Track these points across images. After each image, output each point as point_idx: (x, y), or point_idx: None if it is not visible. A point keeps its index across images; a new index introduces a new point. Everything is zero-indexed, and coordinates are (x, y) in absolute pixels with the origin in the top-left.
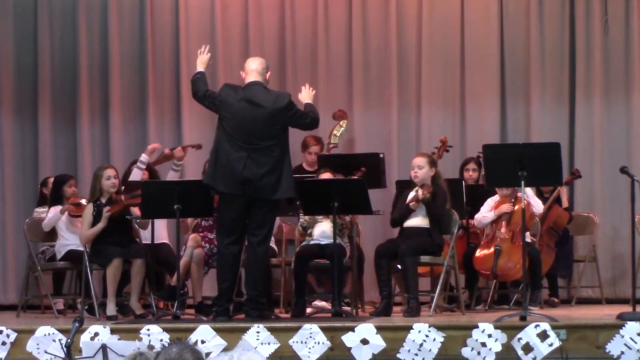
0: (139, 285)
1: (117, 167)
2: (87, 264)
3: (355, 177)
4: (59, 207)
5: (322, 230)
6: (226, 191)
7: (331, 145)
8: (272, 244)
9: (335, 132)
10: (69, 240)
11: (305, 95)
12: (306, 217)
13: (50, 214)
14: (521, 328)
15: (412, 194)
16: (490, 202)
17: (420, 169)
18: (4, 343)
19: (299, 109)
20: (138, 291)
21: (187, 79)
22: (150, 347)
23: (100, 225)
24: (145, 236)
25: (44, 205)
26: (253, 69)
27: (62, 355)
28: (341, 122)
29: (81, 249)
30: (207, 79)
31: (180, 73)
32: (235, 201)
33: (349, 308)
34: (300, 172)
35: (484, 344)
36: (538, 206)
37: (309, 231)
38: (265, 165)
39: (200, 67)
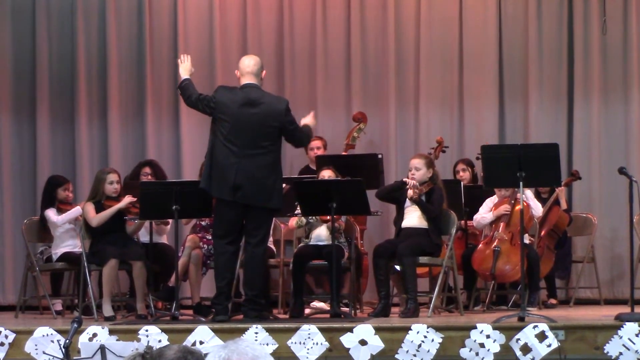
0: (142, 287)
1: (115, 167)
2: (86, 264)
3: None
4: (75, 208)
5: (318, 234)
6: (219, 196)
7: (348, 146)
8: (271, 245)
9: (355, 133)
10: (65, 242)
11: (308, 120)
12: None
13: (71, 214)
14: (520, 329)
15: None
16: (489, 202)
17: (417, 170)
18: (2, 344)
19: (294, 119)
20: (142, 293)
21: None
22: (149, 347)
23: (121, 205)
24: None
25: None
26: (248, 71)
27: (61, 356)
28: (361, 125)
29: (77, 250)
30: (194, 85)
31: (179, 74)
32: (231, 204)
33: (348, 309)
34: (307, 172)
35: (482, 345)
36: (537, 209)
37: (306, 228)
38: (257, 172)
39: (185, 75)
